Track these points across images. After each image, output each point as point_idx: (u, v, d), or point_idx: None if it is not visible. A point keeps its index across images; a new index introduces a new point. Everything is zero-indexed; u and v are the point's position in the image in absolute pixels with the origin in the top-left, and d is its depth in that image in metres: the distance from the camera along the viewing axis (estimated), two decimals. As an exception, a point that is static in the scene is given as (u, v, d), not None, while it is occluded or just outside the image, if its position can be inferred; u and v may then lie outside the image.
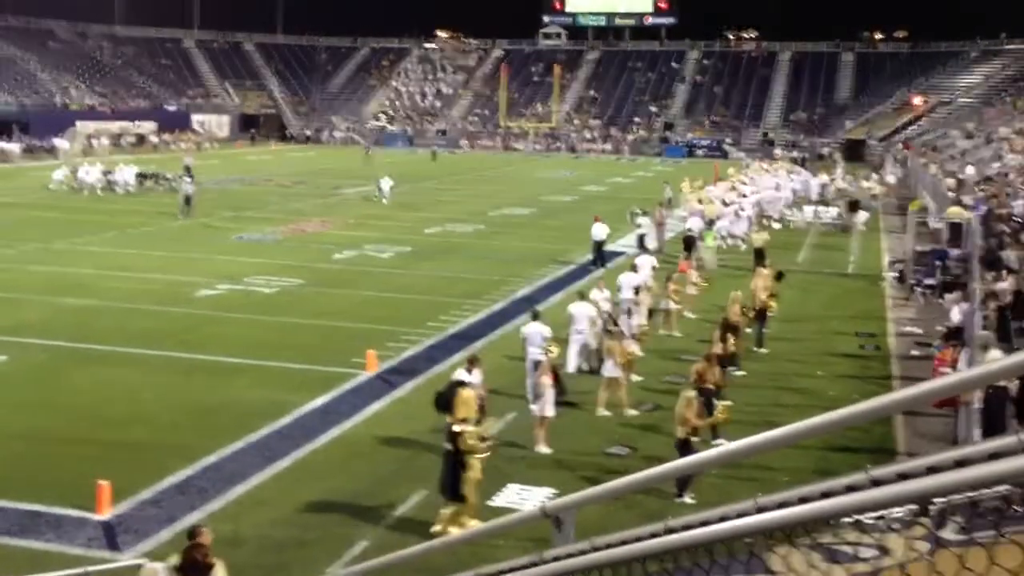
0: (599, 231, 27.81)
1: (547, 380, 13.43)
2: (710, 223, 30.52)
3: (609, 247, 28.62)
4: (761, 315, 18.95)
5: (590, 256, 27.95)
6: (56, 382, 15.86)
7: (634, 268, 21.03)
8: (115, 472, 11.56)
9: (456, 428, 10.72)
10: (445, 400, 11.07)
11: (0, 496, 11.29)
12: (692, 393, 12.56)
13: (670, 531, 2.65)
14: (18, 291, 22.27)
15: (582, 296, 17.86)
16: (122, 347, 17.87)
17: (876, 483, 2.11)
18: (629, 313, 17.88)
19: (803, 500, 2.31)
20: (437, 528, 10.47)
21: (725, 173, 47.45)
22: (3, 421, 13.91)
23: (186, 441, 13.28)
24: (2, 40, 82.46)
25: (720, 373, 14.11)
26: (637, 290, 18.91)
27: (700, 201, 34.29)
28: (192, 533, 8.33)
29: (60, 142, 64.90)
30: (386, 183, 42.39)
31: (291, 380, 16.24)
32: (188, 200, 35.70)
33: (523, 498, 11.65)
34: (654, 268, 22.44)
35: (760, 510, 2.40)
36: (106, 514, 10.92)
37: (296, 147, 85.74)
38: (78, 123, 72.19)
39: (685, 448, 12.00)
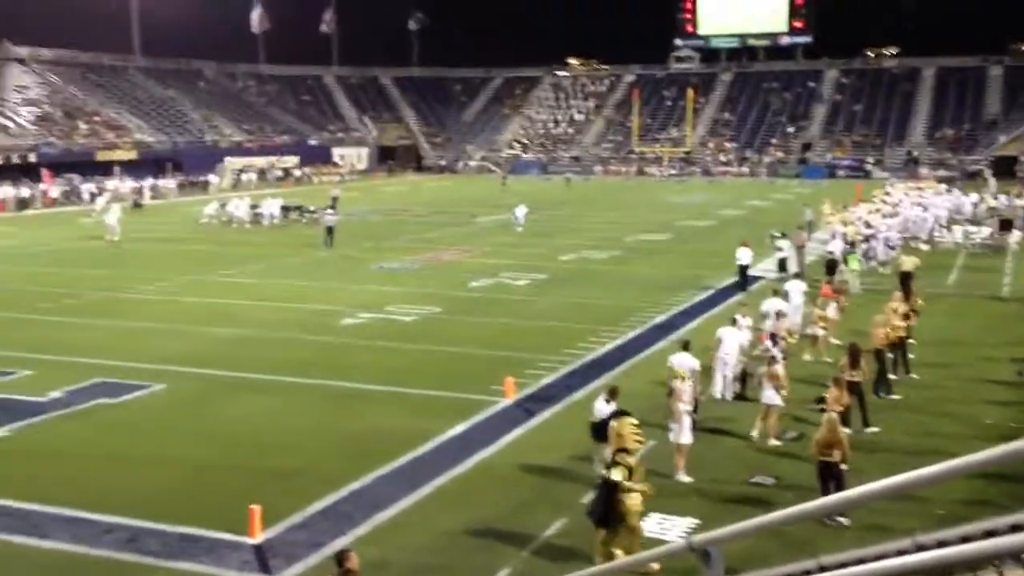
0: (744, 255, 27.39)
1: (682, 407, 13.30)
2: (852, 245, 29.72)
3: (749, 272, 28.13)
4: (898, 343, 18.17)
5: (735, 280, 27.50)
6: (210, 410, 16.51)
7: (780, 293, 20.63)
8: (266, 497, 11.95)
9: (615, 459, 10.55)
10: (602, 431, 10.93)
11: (159, 519, 11.79)
12: (836, 416, 12.27)
13: (823, 569, 2.61)
14: (174, 322, 23.30)
15: (732, 321, 17.62)
16: (271, 375, 18.47)
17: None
18: (773, 340, 17.53)
19: (965, 539, 2.25)
20: (599, 559, 10.27)
21: (868, 194, 46.15)
22: (162, 448, 14.56)
23: (332, 467, 13.63)
24: (156, 82, 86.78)
25: (848, 398, 13.84)
26: (781, 315, 18.60)
27: (844, 223, 33.43)
28: (340, 558, 8.51)
29: (213, 178, 67.81)
30: (521, 211, 42.79)
31: (431, 407, 16.49)
32: (331, 231, 36.75)
33: (664, 528, 11.52)
34: (802, 294, 21.97)
35: (919, 548, 2.34)
36: (258, 538, 11.28)
37: (432, 177, 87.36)
38: (226, 159, 75.32)
39: (829, 473, 11.76)
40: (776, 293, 20.65)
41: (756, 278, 29.01)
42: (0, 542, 11.27)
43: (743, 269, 27.52)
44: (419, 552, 11.16)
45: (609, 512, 10.46)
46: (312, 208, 46.60)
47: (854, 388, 15.19)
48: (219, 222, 44.81)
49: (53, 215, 52.12)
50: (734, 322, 17.55)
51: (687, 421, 13.30)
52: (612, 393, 13.32)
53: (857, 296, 25.52)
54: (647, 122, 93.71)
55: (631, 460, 10.61)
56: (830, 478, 11.76)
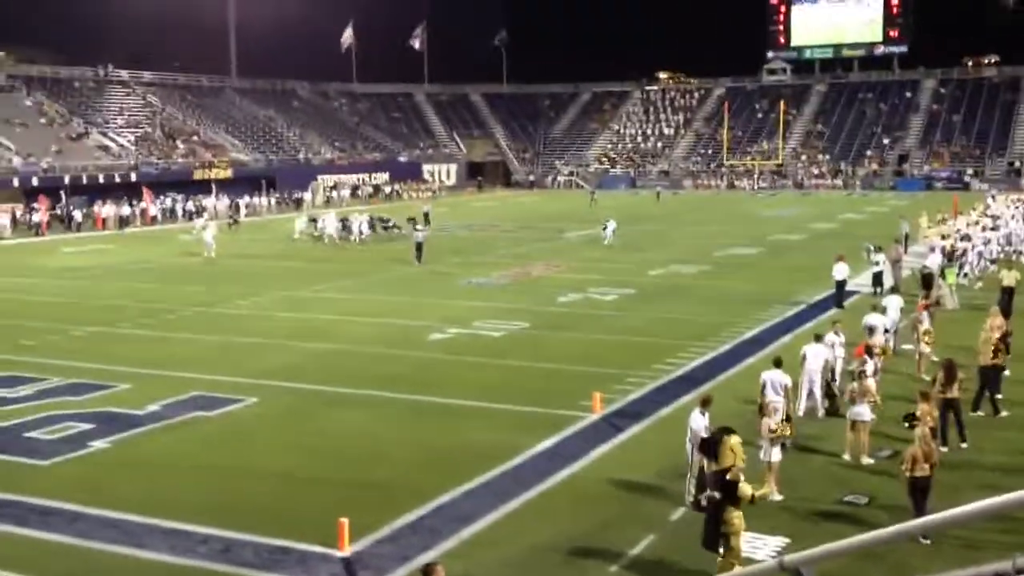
0: (841, 270, 26.79)
1: (771, 423, 13.07)
2: (950, 259, 28.94)
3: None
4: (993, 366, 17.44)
5: (832, 296, 26.92)
6: (302, 423, 16.77)
7: (879, 308, 20.17)
8: (355, 510, 12.08)
9: (729, 477, 10.29)
10: (712, 446, 10.70)
11: (252, 531, 12.01)
12: (928, 430, 12.00)
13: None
14: (267, 336, 23.77)
15: (817, 338, 17.29)
16: (361, 389, 18.70)
17: None
18: (869, 353, 17.16)
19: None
20: None
21: (967, 206, 44.93)
22: (255, 460, 14.84)
23: (420, 481, 13.72)
24: (252, 102, 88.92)
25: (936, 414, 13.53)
26: (885, 331, 18.19)
27: (942, 236, 32.58)
28: (427, 571, 8.53)
29: (306, 195, 69.17)
30: (611, 225, 42.73)
31: (519, 422, 16.51)
32: (420, 247, 37.08)
33: (755, 547, 11.31)
34: (900, 309, 21.43)
35: (1019, 572, 2.26)
36: (347, 551, 11.40)
37: (520, 192, 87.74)
38: (319, 176, 76.71)
39: (919, 488, 11.60)
40: (876, 308, 20.19)
41: (851, 293, 28.43)
42: (100, 552, 11.60)
43: (840, 285, 26.79)
44: (505, 567, 11.16)
45: (716, 533, 10.17)
46: (393, 222, 47.12)
47: (951, 404, 14.77)
48: (311, 238, 45.64)
49: (153, 233, 53.70)
50: (818, 338, 17.21)
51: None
52: (705, 403, 13.15)
53: (954, 311, 24.85)
54: (737, 135, 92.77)
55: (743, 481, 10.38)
56: (920, 493, 11.61)
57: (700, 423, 12.68)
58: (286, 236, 47.14)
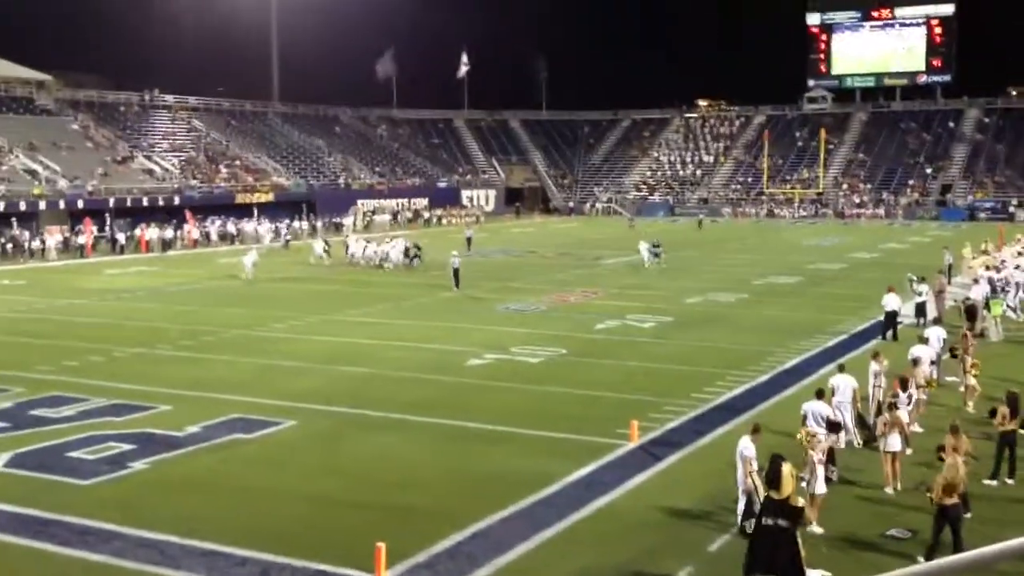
0: (892, 301, 26.39)
1: (817, 457, 12.92)
2: (995, 291, 28.55)
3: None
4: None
5: (883, 328, 26.40)
6: (338, 447, 16.81)
7: (921, 339, 19.93)
8: (391, 535, 12.06)
9: (792, 503, 10.23)
10: (775, 474, 10.63)
11: (289, 554, 12.03)
12: (959, 460, 11.88)
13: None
14: (304, 360, 23.89)
15: (841, 368, 17.14)
16: (398, 414, 18.72)
17: None
18: (904, 386, 16.97)
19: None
20: None
21: (1011, 237, 44.37)
22: (293, 483, 14.88)
23: (457, 507, 13.69)
24: (295, 128, 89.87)
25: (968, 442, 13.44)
26: (931, 362, 17.99)
27: (986, 267, 32.17)
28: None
29: (346, 220, 69.68)
30: (643, 246, 43.11)
31: (556, 449, 16.44)
32: (456, 273, 37.11)
33: (794, 580, 11.15)
34: (943, 340, 21.15)
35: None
36: (383, 576, 11.38)
37: (559, 219, 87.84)
38: (359, 201, 77.27)
39: (946, 519, 11.59)
40: (922, 340, 19.94)
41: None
42: (137, 572, 11.66)
43: (890, 316, 26.18)
44: (542, 596, 11.08)
45: (800, 564, 10.03)
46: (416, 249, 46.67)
47: (1007, 438, 14.54)
48: (345, 262, 45.62)
49: (194, 255, 54.28)
50: (842, 368, 17.05)
51: (821, 471, 12.93)
52: (755, 431, 13.06)
53: (998, 344, 24.50)
54: (777, 163, 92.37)
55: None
56: (947, 523, 11.59)
57: (751, 451, 12.57)
58: (323, 260, 47.30)
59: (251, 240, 60.41)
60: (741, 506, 12.55)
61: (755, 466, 12.36)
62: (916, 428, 16.84)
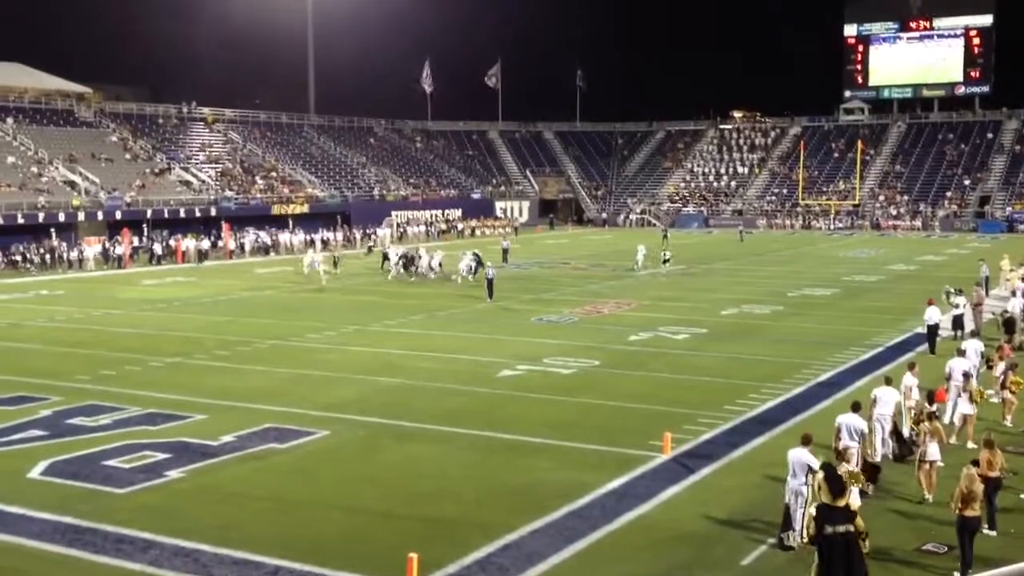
0: (933, 314, 25.99)
1: (849, 467, 12.82)
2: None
3: (922, 329, 26.85)
4: None
5: (927, 342, 26.08)
6: (372, 457, 16.86)
7: (961, 352, 19.72)
8: (423, 545, 12.07)
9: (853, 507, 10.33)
10: (838, 484, 10.63)
11: (323, 563, 12.06)
12: (974, 470, 11.90)
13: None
14: (339, 370, 24.01)
15: (888, 381, 16.96)
16: (431, 425, 18.76)
17: None
18: (956, 400, 16.85)
19: None
20: None
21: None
22: (326, 493, 14.93)
23: (488, 518, 13.68)
24: (331, 139, 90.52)
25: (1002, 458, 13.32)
26: (967, 375, 17.78)
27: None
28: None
29: (379, 231, 69.99)
30: (640, 250, 46.86)
31: (588, 461, 16.39)
32: (491, 284, 37.18)
33: (829, 595, 11.04)
34: (980, 353, 20.89)
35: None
36: (415, 586, 11.38)
37: (592, 230, 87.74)
38: (393, 212, 77.62)
39: (967, 529, 11.57)
40: (959, 352, 19.73)
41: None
42: (172, 579, 11.75)
43: (932, 330, 25.85)
44: (573, 608, 11.03)
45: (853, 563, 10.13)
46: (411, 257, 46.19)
47: None
48: (313, 274, 44.31)
49: (230, 266, 54.71)
50: (888, 381, 16.88)
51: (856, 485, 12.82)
52: (806, 441, 12.95)
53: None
54: (813, 174, 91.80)
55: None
56: (967, 534, 11.55)
57: (810, 458, 12.56)
58: (356, 270, 47.49)
59: (288, 251, 60.85)
60: (798, 517, 12.42)
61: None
62: (970, 444, 16.66)
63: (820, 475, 10.61)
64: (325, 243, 63.37)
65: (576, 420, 19.09)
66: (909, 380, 17.20)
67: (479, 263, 43.22)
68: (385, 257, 48.77)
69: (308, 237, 64.87)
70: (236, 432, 18.09)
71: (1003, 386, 18.55)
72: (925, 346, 25.89)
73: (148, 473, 15.74)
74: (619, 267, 49.87)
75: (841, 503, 10.22)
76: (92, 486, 15.14)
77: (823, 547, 10.46)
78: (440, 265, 45.05)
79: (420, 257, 46.12)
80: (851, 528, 10.22)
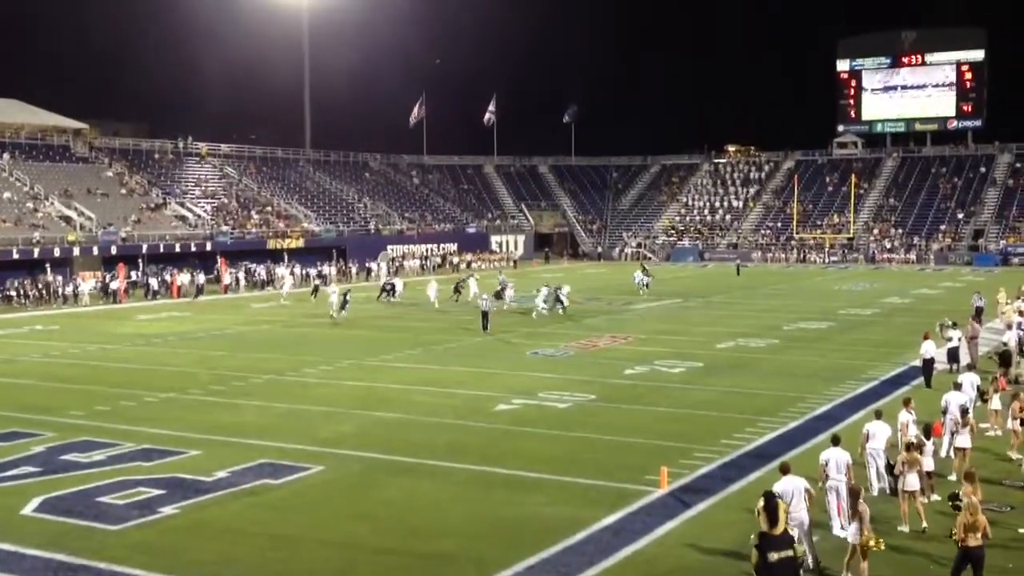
0: (928, 348, 25.90)
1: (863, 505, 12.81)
2: (1029, 336, 28.19)
3: (917, 363, 26.83)
4: None
5: (923, 377, 25.99)
6: (368, 492, 16.78)
7: (958, 386, 19.72)
8: (419, 582, 12.00)
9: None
10: (774, 512, 10.75)
11: (316, 600, 11.97)
12: (976, 501, 11.91)
13: None
14: (335, 405, 23.94)
15: (878, 415, 16.96)
16: (428, 459, 18.68)
17: None
18: (952, 434, 16.83)
19: None
20: None
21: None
22: (321, 529, 14.84)
23: (484, 554, 13.60)
24: (325, 174, 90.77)
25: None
26: (965, 410, 17.77)
27: (1020, 312, 31.81)
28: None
29: (374, 265, 70.09)
30: (638, 276, 47.01)
31: (585, 495, 16.32)
32: (486, 316, 37.32)
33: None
34: (976, 386, 20.87)
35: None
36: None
37: (588, 264, 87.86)
38: (388, 247, 77.76)
39: (968, 560, 11.60)
40: (956, 386, 19.74)
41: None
42: (166, 616, 11.65)
43: (928, 364, 25.77)
44: (570, 645, 10.95)
45: None
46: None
47: None
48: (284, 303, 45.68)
49: (226, 301, 54.67)
50: (879, 415, 16.88)
51: (852, 522, 12.80)
52: (784, 471, 13.30)
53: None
54: (807, 208, 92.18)
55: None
56: (971, 564, 11.59)
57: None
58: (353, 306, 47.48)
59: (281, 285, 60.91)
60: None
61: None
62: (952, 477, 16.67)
63: (760, 503, 10.70)
64: (323, 277, 63.48)
65: (572, 455, 19.03)
66: (904, 416, 17.17)
67: (557, 299, 43.16)
68: (389, 291, 49.49)
69: (369, 265, 68.48)
70: (230, 468, 18.00)
71: (1014, 417, 18.49)
72: (921, 379, 25.88)
73: (142, 509, 15.64)
74: (615, 301, 49.90)
75: (778, 531, 10.37)
76: (85, 523, 15.03)
77: (770, 574, 10.55)
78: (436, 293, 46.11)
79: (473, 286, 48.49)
80: (791, 553, 10.35)
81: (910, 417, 17.20)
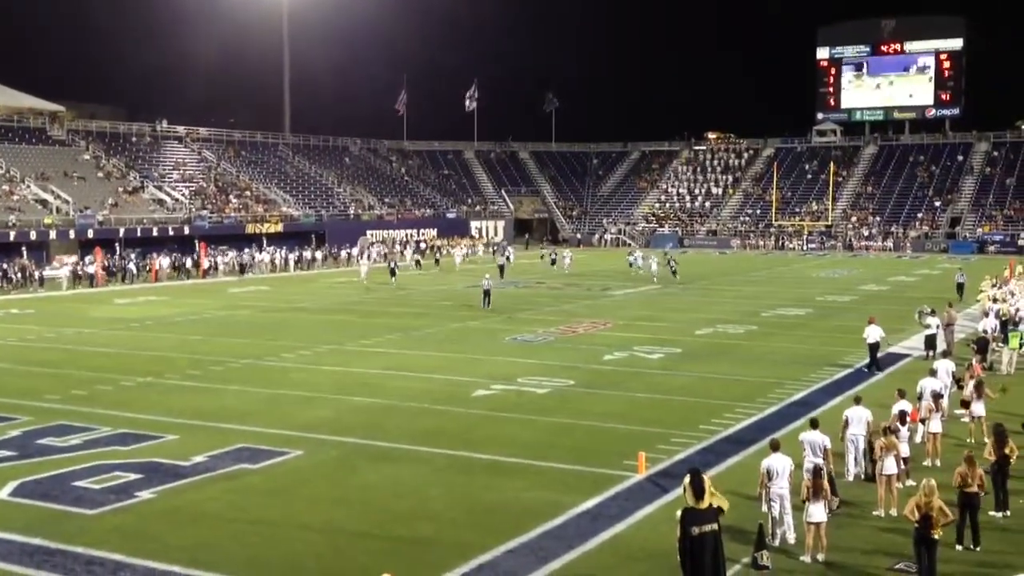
0: (873, 333, 26.32)
1: (823, 484, 12.93)
2: (1004, 324, 28.42)
3: (895, 349, 27.06)
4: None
5: (867, 360, 26.53)
6: (347, 477, 16.76)
7: (933, 372, 19.85)
8: (399, 566, 12.00)
9: None
10: (700, 487, 10.93)
11: (294, 584, 11.96)
12: (933, 483, 11.97)
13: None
14: (313, 390, 23.88)
15: (857, 400, 17.05)
16: (407, 444, 18.68)
17: None
18: (923, 421, 16.92)
19: None
20: None
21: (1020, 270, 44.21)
22: (299, 513, 14.82)
23: (464, 538, 13.63)
24: (304, 158, 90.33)
25: (982, 476, 13.48)
26: (938, 396, 17.90)
27: (995, 300, 32.05)
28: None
29: (353, 250, 69.91)
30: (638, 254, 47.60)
31: (563, 480, 16.37)
32: (487, 293, 40.24)
33: (803, 614, 11.07)
34: (951, 373, 21.02)
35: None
36: (389, 607, 11.30)
37: (567, 249, 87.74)
38: (368, 232, 77.56)
39: (921, 540, 11.71)
40: (932, 372, 19.89)
41: (901, 356, 28.13)
42: (143, 601, 11.61)
43: (873, 348, 26.23)
44: (548, 629, 10.99)
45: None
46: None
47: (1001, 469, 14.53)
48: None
49: (204, 285, 54.40)
50: (858, 400, 16.98)
51: (822, 500, 12.91)
52: (774, 447, 13.72)
53: (1009, 378, 24.39)
54: (786, 195, 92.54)
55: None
56: (924, 546, 11.70)
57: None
58: (328, 289, 47.47)
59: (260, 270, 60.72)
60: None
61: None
62: (938, 463, 16.80)
63: (686, 479, 10.85)
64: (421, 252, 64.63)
65: (551, 440, 19.07)
66: (903, 406, 17.06)
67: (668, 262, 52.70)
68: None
69: (348, 251, 69.27)
70: (208, 452, 17.94)
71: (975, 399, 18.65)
72: (897, 364, 26.04)
73: (119, 494, 15.56)
74: (594, 287, 49.97)
75: (703, 505, 10.56)
76: (62, 507, 14.95)
77: (690, 547, 10.69)
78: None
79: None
80: (716, 527, 10.61)
81: (908, 407, 17.20)
